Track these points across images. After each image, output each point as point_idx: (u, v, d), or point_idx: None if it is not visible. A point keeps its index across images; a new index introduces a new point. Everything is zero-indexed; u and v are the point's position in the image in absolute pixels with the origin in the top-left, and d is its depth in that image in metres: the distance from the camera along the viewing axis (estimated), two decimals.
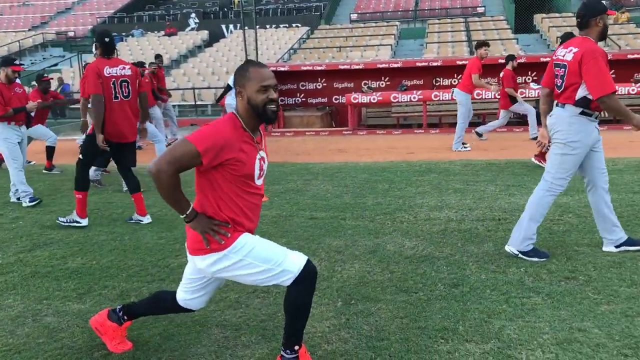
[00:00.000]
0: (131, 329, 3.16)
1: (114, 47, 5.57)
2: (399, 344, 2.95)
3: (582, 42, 3.96)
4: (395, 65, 15.35)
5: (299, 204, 6.25)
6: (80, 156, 5.64)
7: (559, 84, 4.10)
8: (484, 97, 13.44)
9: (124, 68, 5.48)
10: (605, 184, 4.20)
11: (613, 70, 13.82)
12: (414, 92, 13.97)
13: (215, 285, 2.82)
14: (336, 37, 21.86)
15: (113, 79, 5.38)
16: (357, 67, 15.41)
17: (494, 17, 23.40)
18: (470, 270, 4.00)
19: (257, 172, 2.59)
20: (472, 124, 13.72)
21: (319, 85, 15.66)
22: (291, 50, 21.39)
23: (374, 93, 14.51)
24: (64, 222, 5.73)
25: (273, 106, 2.53)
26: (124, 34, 26.55)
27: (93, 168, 7.29)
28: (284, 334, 2.67)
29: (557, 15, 22.83)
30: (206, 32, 26.26)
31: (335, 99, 15.76)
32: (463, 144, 10.00)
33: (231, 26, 26.76)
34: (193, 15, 28.31)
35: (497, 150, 9.74)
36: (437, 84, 15.44)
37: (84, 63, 19.55)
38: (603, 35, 4.03)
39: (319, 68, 15.15)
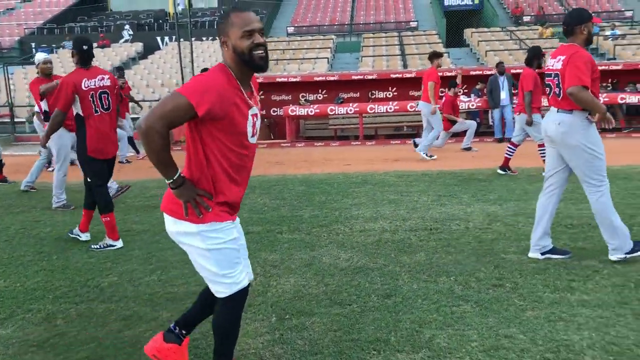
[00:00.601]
0: (59, 352, 3.04)
1: (92, 56, 5.19)
2: (332, 358, 2.97)
3: (569, 49, 4.17)
4: (332, 78, 15.55)
5: None
6: (89, 179, 5.21)
7: (557, 92, 4.25)
8: (417, 110, 13.76)
9: (102, 78, 5.13)
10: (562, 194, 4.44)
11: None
12: (351, 104, 14.19)
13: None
14: (273, 50, 21.91)
15: (92, 92, 5.01)
16: (294, 79, 15.51)
17: (427, 31, 24.08)
18: (403, 280, 4.08)
19: (249, 129, 2.45)
20: (410, 135, 14.05)
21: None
22: None
23: (312, 105, 14.63)
24: (99, 248, 5.23)
25: (260, 51, 2.36)
26: (54, 45, 25.65)
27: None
28: (213, 355, 2.63)
29: (485, 30, 23.74)
30: (140, 44, 25.74)
31: (274, 111, 15.79)
32: (430, 155, 10.21)
33: (166, 38, 26.36)
34: (127, 26, 27.71)
35: (430, 161, 9.98)
36: (372, 97, 15.73)
37: (10, 75, 18.78)
38: (588, 42, 4.26)
39: (256, 80, 15.14)
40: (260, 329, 3.37)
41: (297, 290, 3.97)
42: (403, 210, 6.27)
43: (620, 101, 13.17)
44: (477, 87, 14.20)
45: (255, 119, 2.48)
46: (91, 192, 5.29)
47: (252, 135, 2.49)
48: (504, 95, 12.96)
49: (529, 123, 7.95)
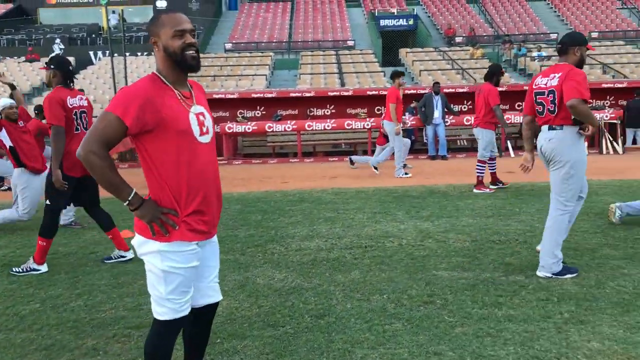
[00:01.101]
0: None
1: (74, 76, 5.12)
2: None
3: (564, 67, 4.33)
4: (270, 95, 15.56)
5: None
6: (47, 202, 5.03)
7: (551, 109, 4.36)
8: (354, 127, 13.95)
9: (81, 99, 5.16)
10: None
11: (470, 102, 15.01)
12: (289, 121, 14.22)
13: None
14: (210, 66, 21.73)
15: (75, 110, 5.01)
16: (232, 96, 15.42)
17: (363, 50, 24.53)
18: (337, 299, 4.08)
19: (195, 127, 2.37)
20: (348, 152, 14.19)
21: None
22: None
23: (249, 122, 14.56)
24: (20, 272, 4.99)
25: (192, 51, 2.34)
26: None
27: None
28: None
29: (419, 50, 24.41)
30: (72, 58, 24.96)
31: None
32: (405, 172, 10.28)
33: (99, 53, 25.70)
34: (58, 40, 26.82)
35: (366, 179, 10.11)
36: (311, 114, 15.82)
37: None
38: (579, 65, 4.40)
39: (199, 84, 15.00)
40: None
41: (230, 312, 3.90)
42: (339, 228, 6.30)
43: None
44: (412, 105, 14.55)
45: (202, 118, 2.41)
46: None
47: (202, 135, 2.40)
48: (437, 114, 13.35)
49: (507, 134, 8.41)
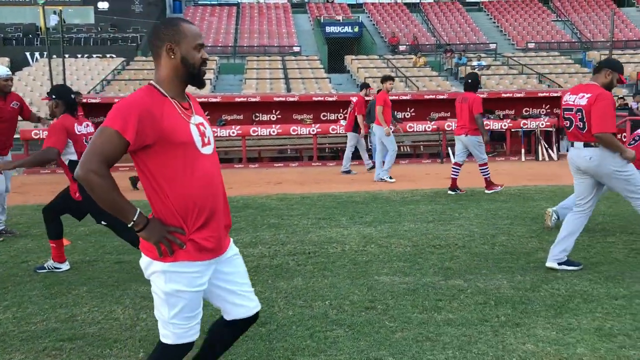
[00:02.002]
0: None
1: (77, 104, 5.18)
2: None
3: (594, 89, 4.60)
4: (214, 100, 15.34)
5: (105, 246, 5.86)
6: (54, 208, 5.04)
7: (580, 126, 4.63)
8: (299, 133, 13.96)
9: (88, 125, 5.14)
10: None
11: (413, 109, 15.29)
12: (233, 127, 14.08)
13: None
14: (153, 70, 21.31)
15: (84, 137, 4.98)
16: None
17: (309, 56, 24.65)
18: (279, 306, 4.05)
19: (197, 138, 2.27)
20: (294, 159, 14.15)
21: None
22: (104, 82, 20.37)
23: None
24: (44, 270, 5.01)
25: (205, 67, 2.35)
26: None
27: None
28: None
29: (364, 57, 24.72)
30: (7, 59, 23.98)
31: None
32: (389, 177, 10.25)
33: (37, 54, 24.78)
34: None
35: (311, 184, 10.12)
36: (256, 119, 15.72)
37: None
38: (608, 87, 4.66)
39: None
40: None
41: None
42: (283, 234, 6.26)
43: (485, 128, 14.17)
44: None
45: (202, 128, 2.33)
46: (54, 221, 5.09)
47: (204, 146, 2.31)
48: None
49: (487, 142, 8.89)
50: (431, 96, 15.31)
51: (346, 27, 28.02)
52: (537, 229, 6.26)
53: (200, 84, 2.34)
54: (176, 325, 2.30)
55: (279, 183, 10.56)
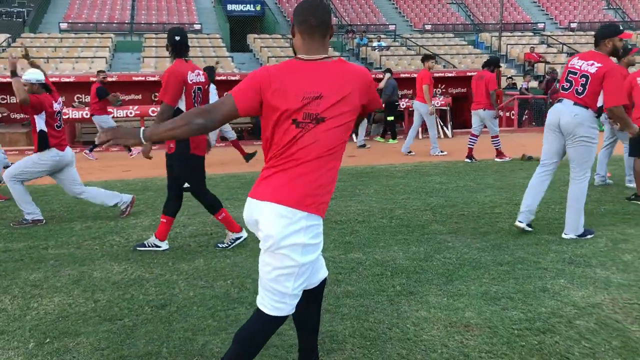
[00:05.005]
0: None
1: (188, 47, 4.80)
2: None
3: (603, 59, 4.70)
4: (111, 79, 14.67)
5: None
6: (187, 185, 4.85)
7: (579, 90, 4.75)
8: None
9: (198, 74, 4.82)
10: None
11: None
12: (131, 107, 13.57)
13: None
14: (43, 47, 20.01)
15: (194, 87, 4.71)
16: (67, 80, 14.39)
17: (210, 34, 24.07)
18: (179, 288, 4.00)
19: None
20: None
21: None
22: None
23: (87, 108, 13.65)
24: (226, 246, 4.98)
25: None
26: None
27: None
28: None
29: (267, 36, 24.52)
30: None
31: None
32: (441, 151, 10.89)
33: None
34: None
35: (215, 166, 9.99)
36: (155, 99, 15.24)
37: None
38: (613, 54, 4.77)
39: None
40: (15, 358, 3.02)
41: (62, 309, 3.65)
42: (184, 216, 6.15)
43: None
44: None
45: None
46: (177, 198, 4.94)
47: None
48: None
49: (497, 116, 9.87)
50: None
51: (248, 6, 27.58)
52: (432, 202, 6.56)
53: None
54: (296, 297, 2.36)
55: None
